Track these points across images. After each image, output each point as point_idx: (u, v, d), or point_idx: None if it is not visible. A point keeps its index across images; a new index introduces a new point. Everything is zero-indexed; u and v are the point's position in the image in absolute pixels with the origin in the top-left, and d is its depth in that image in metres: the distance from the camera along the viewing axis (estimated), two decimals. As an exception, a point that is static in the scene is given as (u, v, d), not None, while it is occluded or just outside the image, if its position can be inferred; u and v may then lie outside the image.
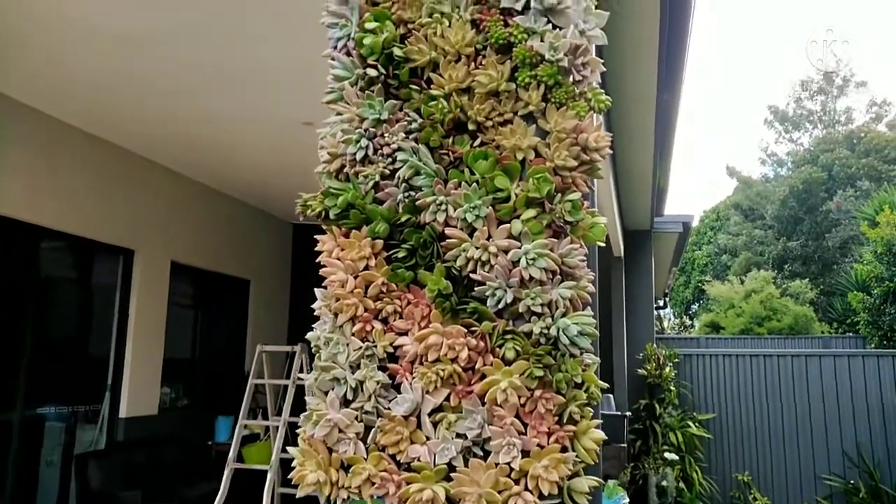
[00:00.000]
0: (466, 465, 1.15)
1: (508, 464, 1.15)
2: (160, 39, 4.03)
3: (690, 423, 8.22)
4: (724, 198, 26.44)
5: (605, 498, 6.09)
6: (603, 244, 1.29)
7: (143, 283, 6.93)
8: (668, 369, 8.30)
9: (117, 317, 6.99)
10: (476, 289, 1.21)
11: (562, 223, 1.21)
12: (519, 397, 1.16)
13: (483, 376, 1.18)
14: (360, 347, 1.23)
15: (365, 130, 1.30)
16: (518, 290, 1.19)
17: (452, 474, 1.15)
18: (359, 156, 1.30)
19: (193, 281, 7.95)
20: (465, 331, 1.19)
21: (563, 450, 1.17)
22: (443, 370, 1.17)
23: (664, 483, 7.45)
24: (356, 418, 1.22)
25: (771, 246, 21.41)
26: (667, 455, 7.62)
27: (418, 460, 1.17)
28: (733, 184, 25.78)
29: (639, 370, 8.32)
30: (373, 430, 1.21)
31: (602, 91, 1.27)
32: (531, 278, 1.18)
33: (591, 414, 1.22)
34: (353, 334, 1.25)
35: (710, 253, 24.66)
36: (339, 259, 1.26)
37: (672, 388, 8.33)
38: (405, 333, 1.23)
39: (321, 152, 1.34)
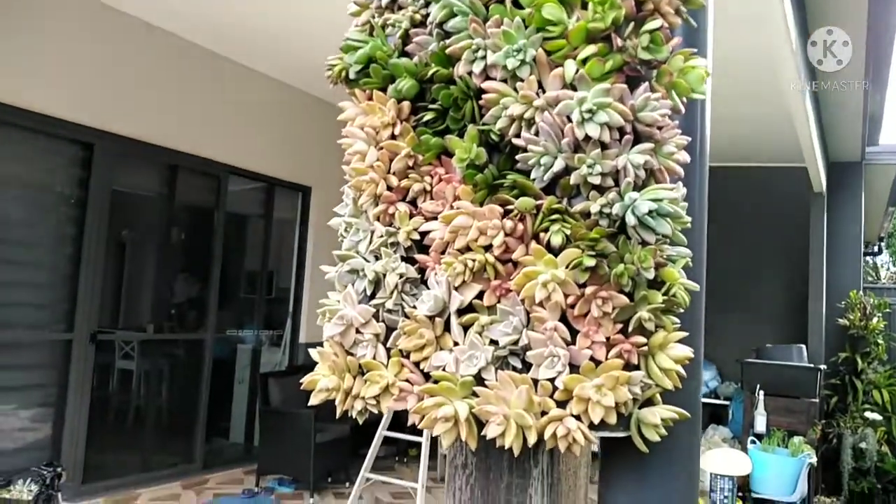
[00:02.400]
0: (499, 380, 0.90)
1: (551, 380, 0.88)
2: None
3: (901, 381, 7.15)
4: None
5: (788, 455, 5.50)
6: (703, 96, 0.94)
7: (320, 218, 7.30)
8: (875, 320, 7.26)
9: (297, 250, 7.45)
10: (518, 156, 0.93)
11: (636, 64, 0.88)
12: (566, 296, 0.88)
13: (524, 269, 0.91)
14: (383, 234, 1.01)
15: (393, -34, 1.05)
16: (570, 155, 0.89)
17: (479, 388, 0.91)
18: (385, 0, 1.05)
19: (366, 217, 8.26)
20: (502, 211, 0.92)
21: (629, 368, 0.88)
22: (472, 260, 0.92)
23: (863, 445, 6.58)
24: (375, 317, 1.01)
25: None
26: (868, 415, 6.71)
27: (443, 370, 0.94)
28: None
29: (839, 320, 7.36)
30: (395, 331, 1.00)
31: None
32: (587, 138, 0.87)
33: (676, 325, 0.91)
34: (377, 218, 1.03)
35: (943, 193, 21.27)
36: (360, 127, 1.03)
37: (880, 341, 7.29)
38: (436, 218, 0.99)
39: (350, 6, 1.11)
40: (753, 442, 5.68)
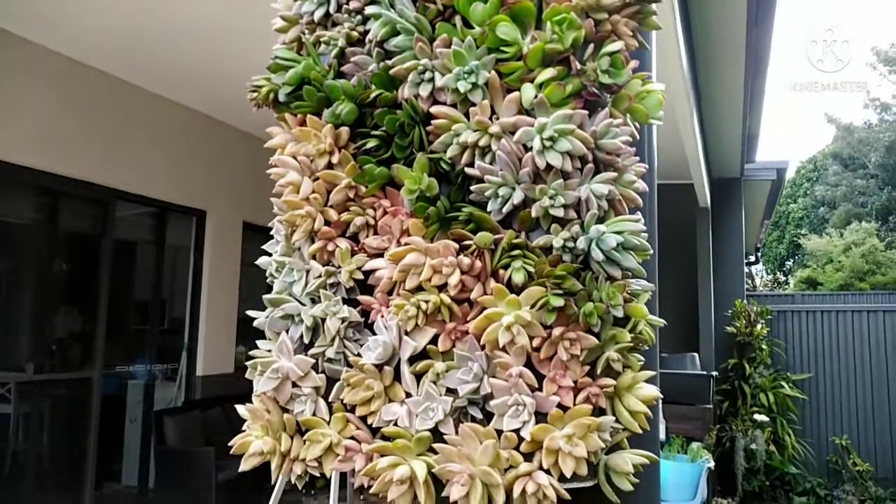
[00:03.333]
0: (459, 433, 0.82)
1: (516, 431, 0.81)
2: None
3: (783, 384, 7.62)
4: (823, 147, 24.71)
5: (688, 461, 5.69)
6: (660, 122, 0.91)
7: (216, 243, 6.95)
8: (759, 327, 7.71)
9: (192, 277, 7.07)
10: (473, 188, 0.85)
11: (596, 88, 0.83)
12: (531, 338, 0.81)
13: (483, 310, 0.83)
14: (321, 274, 0.91)
15: (325, -20, 0.95)
16: (530, 186, 0.82)
17: (438, 445, 0.82)
18: (318, 15, 0.95)
19: (266, 241, 7.97)
20: (457, 247, 0.84)
21: (597, 412, 0.82)
22: (425, 301, 0.83)
23: (753, 446, 6.94)
24: (315, 367, 0.90)
25: (874, 196, 19.89)
26: (756, 417, 7.09)
27: (395, 424, 0.85)
28: (832, 132, 24.00)
29: (727, 328, 7.76)
30: (337, 383, 0.89)
31: None
32: (548, 168, 0.81)
33: (641, 364, 0.86)
34: (312, 257, 0.93)
35: (807, 206, 23.17)
36: (292, 156, 0.93)
37: (763, 346, 7.75)
38: (381, 254, 0.89)
39: (275, 21, 1.00)
40: (656, 450, 5.84)
